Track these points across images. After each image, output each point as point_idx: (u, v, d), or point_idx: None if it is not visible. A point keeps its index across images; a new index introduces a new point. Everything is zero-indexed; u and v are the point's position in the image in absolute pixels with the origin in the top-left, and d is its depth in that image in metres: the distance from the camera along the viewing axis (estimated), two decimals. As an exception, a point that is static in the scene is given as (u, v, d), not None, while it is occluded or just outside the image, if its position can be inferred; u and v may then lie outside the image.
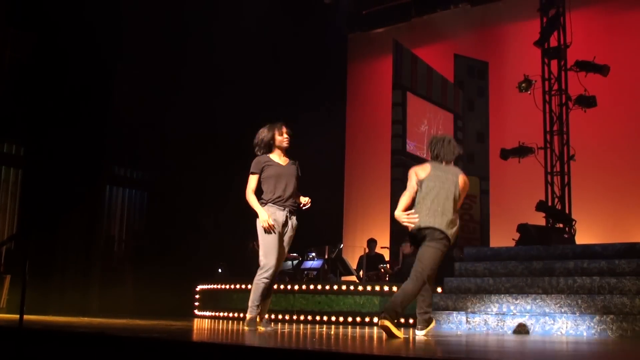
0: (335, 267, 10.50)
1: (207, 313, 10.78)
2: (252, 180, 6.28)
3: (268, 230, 6.06)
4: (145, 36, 11.96)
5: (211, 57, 12.59)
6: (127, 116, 12.26)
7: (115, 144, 12.29)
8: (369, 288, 8.96)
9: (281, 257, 6.25)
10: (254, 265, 11.32)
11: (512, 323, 7.09)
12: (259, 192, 6.31)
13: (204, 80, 12.62)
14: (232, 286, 10.34)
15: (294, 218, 6.32)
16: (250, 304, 6.11)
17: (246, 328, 6.00)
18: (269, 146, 6.36)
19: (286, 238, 6.28)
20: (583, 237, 11.13)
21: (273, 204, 6.20)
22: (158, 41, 12.08)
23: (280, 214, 6.19)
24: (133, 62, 11.88)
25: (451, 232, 5.57)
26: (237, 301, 10.16)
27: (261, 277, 6.09)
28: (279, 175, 6.28)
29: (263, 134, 6.38)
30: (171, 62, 12.39)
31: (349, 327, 8.17)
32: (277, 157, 6.37)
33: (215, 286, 10.80)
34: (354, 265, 11.37)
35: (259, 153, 6.38)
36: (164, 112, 12.54)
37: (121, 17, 11.79)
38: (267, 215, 6.08)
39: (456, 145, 5.87)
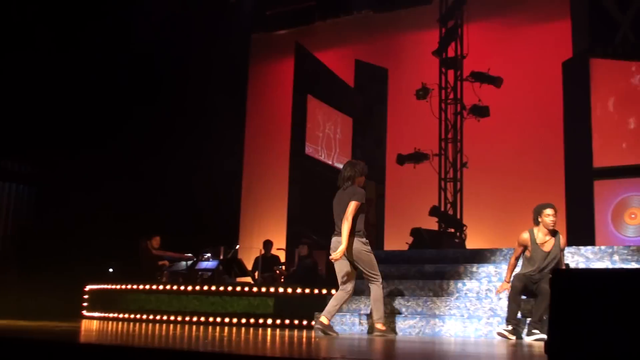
0: (231, 268, 10.39)
1: (97, 314, 10.46)
2: (357, 210, 6.39)
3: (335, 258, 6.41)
4: (38, 19, 11.44)
5: (110, 45, 12.19)
6: (15, 105, 11.68)
7: (1, 135, 11.69)
8: (263, 290, 8.90)
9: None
10: (147, 264, 11.11)
11: (403, 324, 7.23)
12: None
13: (99, 70, 12.18)
14: (124, 286, 10.06)
15: None
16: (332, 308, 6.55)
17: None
18: (355, 179, 6.53)
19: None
20: (473, 241, 11.51)
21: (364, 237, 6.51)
22: (51, 26, 11.58)
23: None
24: (20, 46, 11.30)
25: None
26: (130, 302, 9.89)
27: (382, 286, 6.65)
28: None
29: (364, 169, 6.58)
30: (65, 46, 11.87)
31: (243, 328, 8.09)
32: None
33: (105, 286, 10.49)
34: (249, 266, 11.31)
35: (352, 180, 6.49)
36: (54, 101, 12.00)
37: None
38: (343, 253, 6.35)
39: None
